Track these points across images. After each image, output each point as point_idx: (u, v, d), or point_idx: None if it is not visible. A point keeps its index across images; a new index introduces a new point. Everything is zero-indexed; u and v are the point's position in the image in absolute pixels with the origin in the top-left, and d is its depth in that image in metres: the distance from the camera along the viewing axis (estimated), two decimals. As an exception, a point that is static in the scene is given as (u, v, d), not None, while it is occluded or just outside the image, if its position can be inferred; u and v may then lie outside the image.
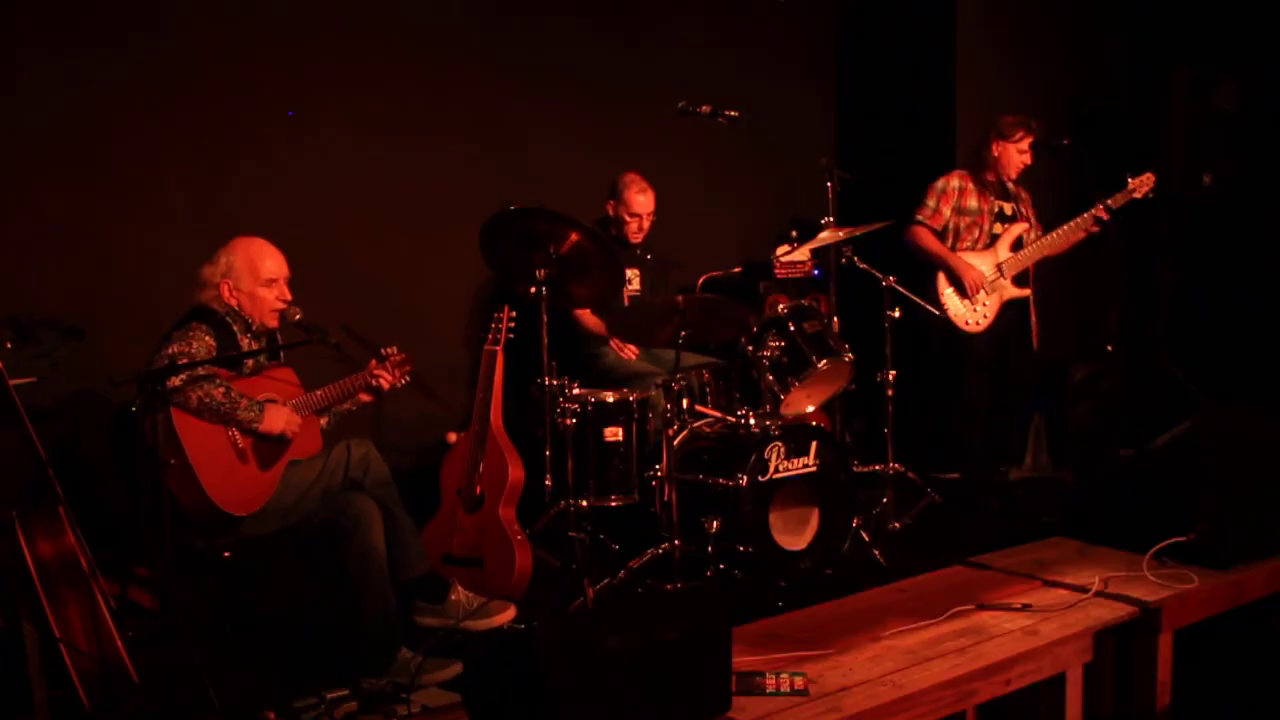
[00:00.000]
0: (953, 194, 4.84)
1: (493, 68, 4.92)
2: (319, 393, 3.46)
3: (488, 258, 3.99)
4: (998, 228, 4.84)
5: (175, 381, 3.07)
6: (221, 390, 3.18)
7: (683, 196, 5.05)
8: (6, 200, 3.84)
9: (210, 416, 3.17)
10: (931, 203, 4.85)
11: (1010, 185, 4.88)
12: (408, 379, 3.64)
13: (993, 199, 4.84)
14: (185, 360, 3.11)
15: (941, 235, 4.83)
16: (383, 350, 3.59)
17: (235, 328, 3.36)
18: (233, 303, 3.37)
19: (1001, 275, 4.79)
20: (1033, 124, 4.80)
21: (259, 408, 3.25)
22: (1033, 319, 4.85)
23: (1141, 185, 4.69)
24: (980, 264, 4.78)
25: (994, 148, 4.80)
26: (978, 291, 4.75)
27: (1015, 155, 4.79)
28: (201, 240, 3.99)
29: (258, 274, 3.37)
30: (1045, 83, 5.83)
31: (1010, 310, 4.83)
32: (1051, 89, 5.82)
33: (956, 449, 4.98)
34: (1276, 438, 3.83)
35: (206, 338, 3.23)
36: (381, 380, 3.53)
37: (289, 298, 3.41)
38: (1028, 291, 4.83)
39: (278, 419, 3.28)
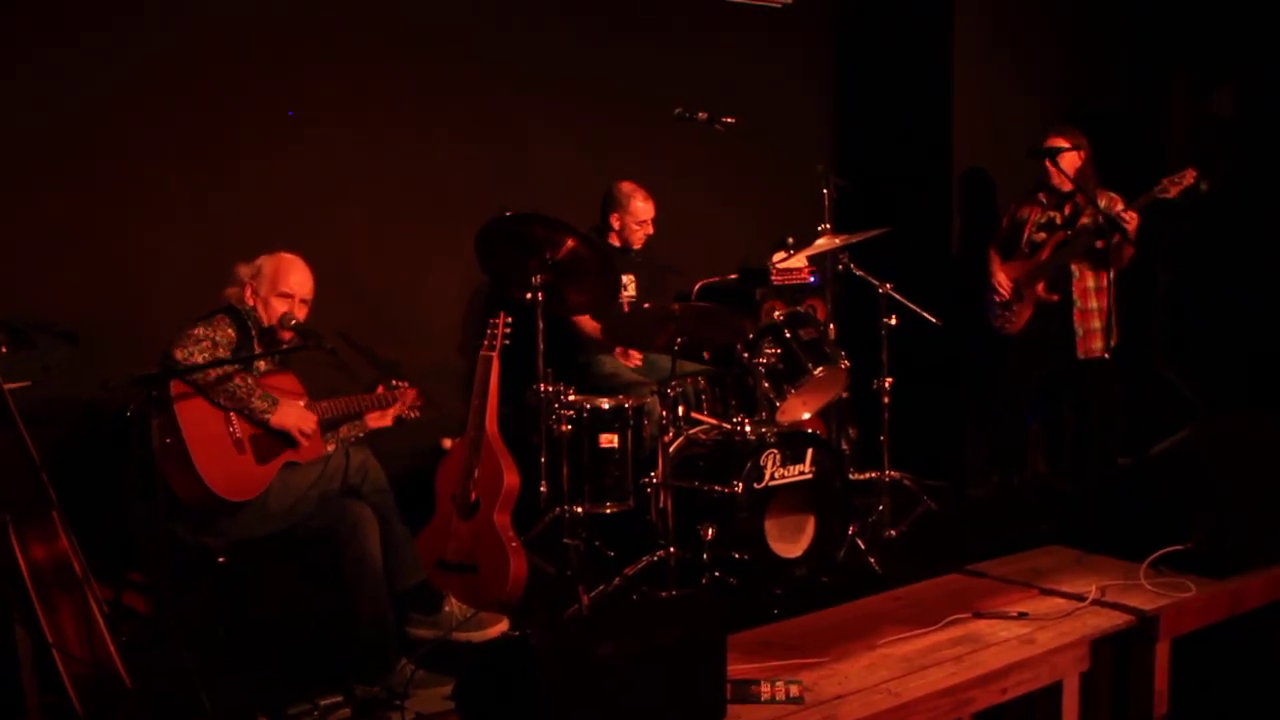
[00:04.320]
0: (1013, 208, 5.12)
1: (490, 72, 4.89)
2: (324, 404, 3.51)
3: (483, 263, 4.02)
4: (1039, 235, 4.96)
5: (197, 358, 3.15)
6: (241, 376, 3.26)
7: (679, 203, 5.04)
8: (2, 202, 3.83)
9: (225, 397, 3.23)
10: (1004, 220, 5.17)
11: (1078, 198, 4.87)
12: (417, 413, 3.81)
13: (1041, 209, 5.00)
14: (209, 343, 3.20)
15: (1004, 246, 5.12)
16: (394, 382, 3.77)
17: (252, 331, 3.41)
18: (250, 304, 3.45)
19: (1028, 283, 4.93)
20: (1056, 134, 4.89)
21: (272, 400, 3.31)
22: (1076, 325, 4.89)
23: (1174, 185, 4.61)
24: (1015, 271, 5.00)
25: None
26: (996, 295, 5.03)
27: (1051, 166, 4.84)
28: (198, 244, 4.02)
29: (276, 284, 3.45)
30: (1045, 87, 5.81)
31: (1047, 315, 4.92)
32: (1051, 93, 5.80)
33: (984, 452, 5.12)
34: (1275, 445, 3.83)
35: (229, 330, 3.31)
36: (393, 407, 3.73)
37: (300, 319, 3.46)
38: (1055, 297, 4.89)
39: (289, 414, 3.34)
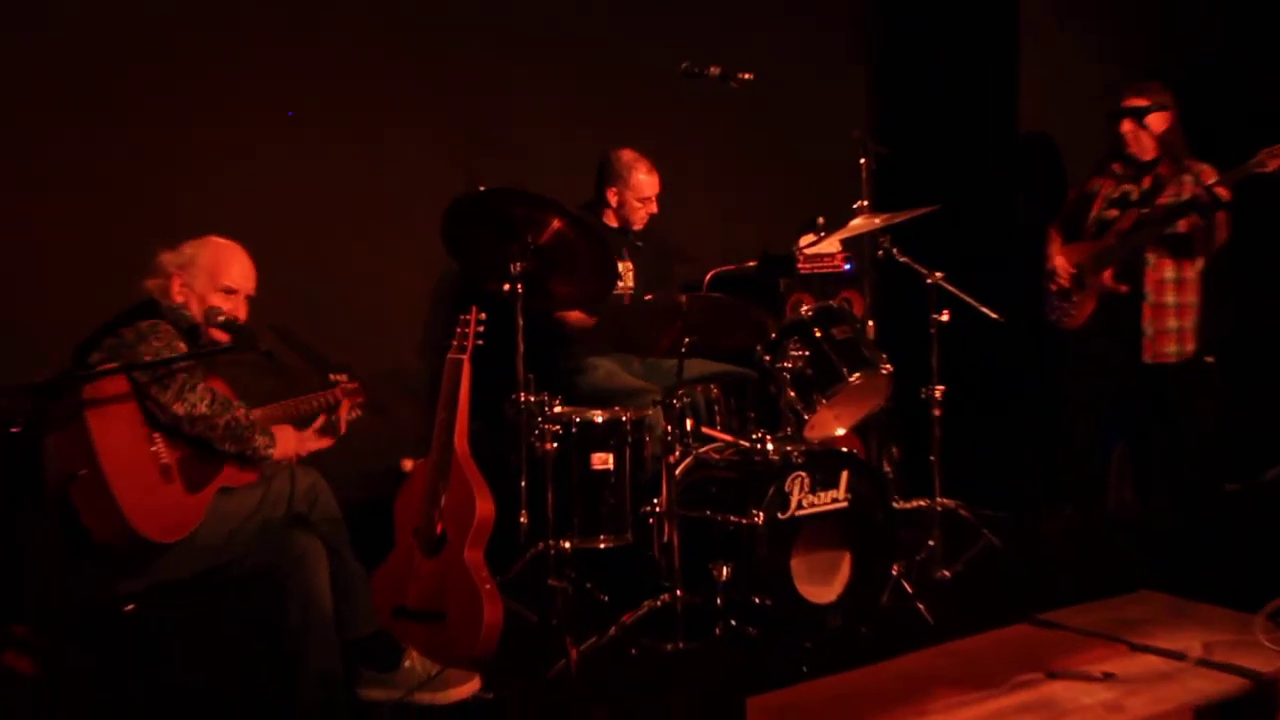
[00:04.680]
0: (1083, 181, 5.06)
1: (462, 25, 4.89)
2: (256, 414, 3.44)
3: (452, 249, 4.00)
4: (1110, 213, 4.90)
5: (202, 408, 3.18)
6: (243, 411, 3.28)
7: (688, 178, 5.04)
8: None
9: (231, 443, 3.25)
10: (1069, 194, 5.13)
11: (1161, 168, 4.81)
12: (359, 411, 3.76)
13: (1115, 183, 4.93)
14: (183, 371, 3.18)
15: (1067, 225, 5.06)
16: (331, 377, 3.75)
17: (180, 330, 3.35)
18: (179, 300, 3.38)
19: (1093, 269, 4.85)
20: (1136, 93, 4.82)
21: (270, 434, 3.36)
22: (1144, 322, 4.80)
23: (1273, 159, 4.48)
24: (1078, 254, 4.93)
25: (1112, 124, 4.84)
26: (1053, 283, 4.98)
27: (1130, 130, 4.80)
28: (93, 230, 4.14)
29: (216, 278, 3.40)
30: (1128, 37, 5.77)
31: (1114, 309, 4.83)
32: (1135, 46, 5.76)
33: (1056, 477, 5.12)
34: None
35: (178, 342, 3.25)
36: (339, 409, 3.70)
37: (242, 318, 3.43)
38: (1124, 288, 4.80)
39: (288, 443, 3.43)
